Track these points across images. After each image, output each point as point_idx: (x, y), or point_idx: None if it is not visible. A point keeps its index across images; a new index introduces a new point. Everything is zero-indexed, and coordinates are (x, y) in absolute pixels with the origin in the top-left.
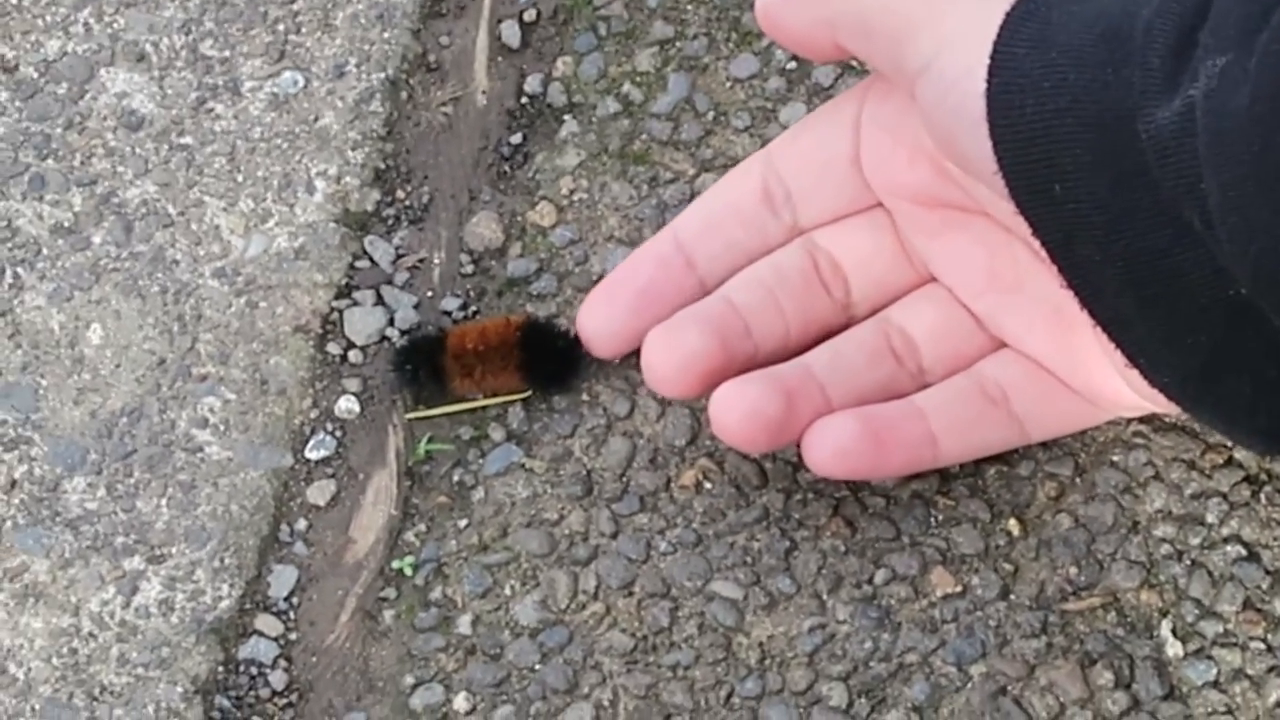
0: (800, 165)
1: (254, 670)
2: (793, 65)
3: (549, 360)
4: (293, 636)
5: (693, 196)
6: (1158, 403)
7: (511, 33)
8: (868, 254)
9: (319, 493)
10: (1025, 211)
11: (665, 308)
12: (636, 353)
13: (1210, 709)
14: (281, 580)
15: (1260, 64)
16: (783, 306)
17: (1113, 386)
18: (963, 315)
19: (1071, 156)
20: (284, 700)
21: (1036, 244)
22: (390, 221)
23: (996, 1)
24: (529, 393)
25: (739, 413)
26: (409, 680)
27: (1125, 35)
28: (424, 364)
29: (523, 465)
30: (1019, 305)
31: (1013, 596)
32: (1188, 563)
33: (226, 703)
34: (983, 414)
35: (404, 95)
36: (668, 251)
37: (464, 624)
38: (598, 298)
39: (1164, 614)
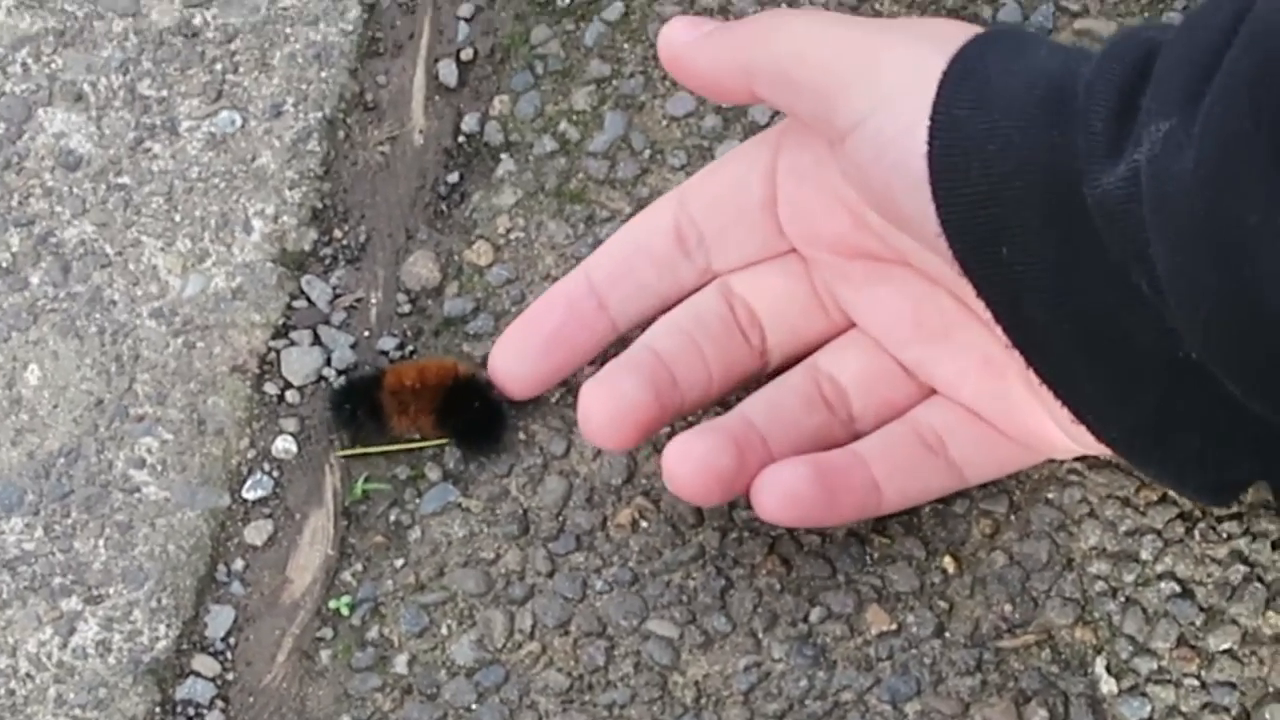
0: (713, 208)
1: (191, 711)
2: (729, 103)
3: (473, 413)
4: (230, 677)
5: None
6: (1092, 446)
7: (449, 72)
8: (783, 301)
9: (256, 533)
10: (969, 272)
11: (577, 351)
12: (571, 391)
13: None
14: (219, 620)
15: (1204, 129)
16: (705, 354)
17: (1047, 430)
18: (890, 363)
19: (1019, 219)
20: None
21: (963, 293)
22: (327, 261)
23: (930, 56)
24: (447, 441)
25: (692, 466)
26: None
27: (1067, 96)
28: (361, 403)
29: (459, 504)
30: (948, 354)
31: (947, 634)
32: (1122, 599)
33: None
34: (922, 461)
35: (341, 134)
36: (579, 293)
37: (400, 663)
38: (510, 339)
39: (1098, 651)
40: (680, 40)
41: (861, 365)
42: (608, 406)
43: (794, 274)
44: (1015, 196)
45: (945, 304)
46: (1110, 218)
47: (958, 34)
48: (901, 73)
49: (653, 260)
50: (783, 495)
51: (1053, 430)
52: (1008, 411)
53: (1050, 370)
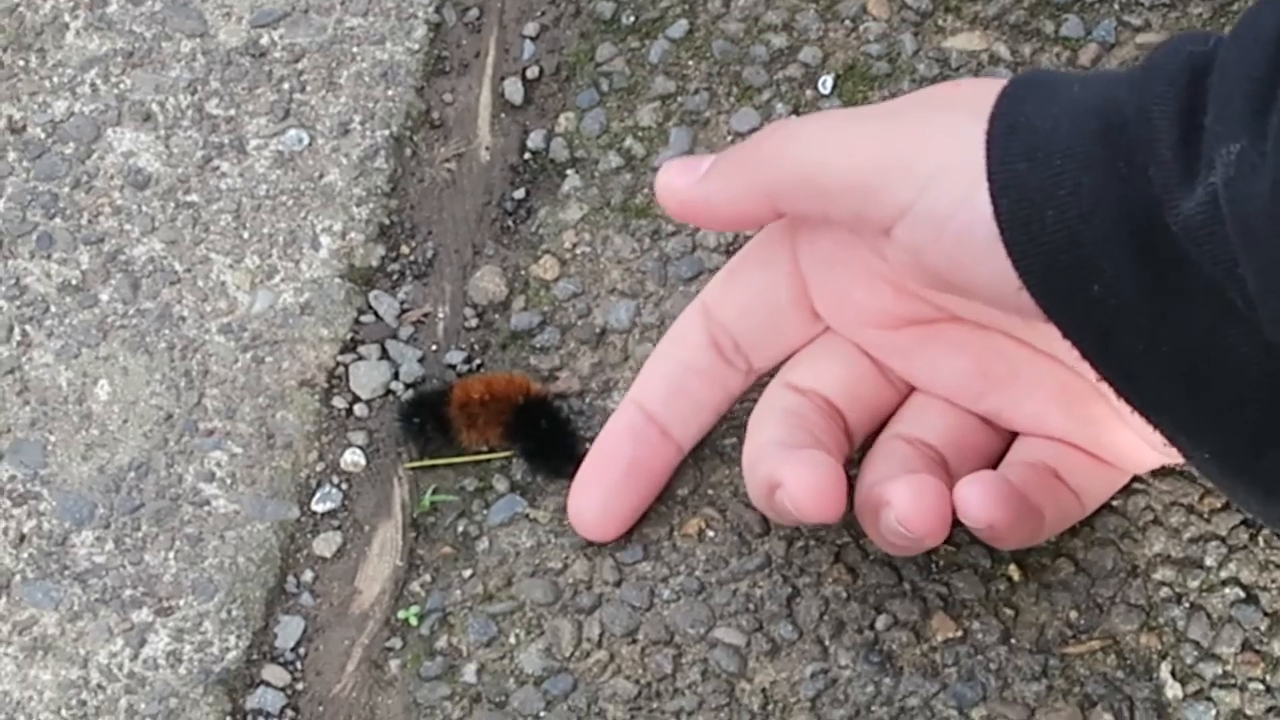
0: (744, 315)
1: None
2: (793, 119)
3: (542, 430)
4: (299, 687)
5: (694, 249)
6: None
7: (514, 89)
8: (850, 382)
9: (325, 544)
10: (1057, 319)
11: (654, 480)
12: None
13: None
14: (288, 631)
15: (1276, 147)
16: (831, 447)
17: (1138, 449)
18: (969, 416)
19: (1108, 256)
20: None
21: (1017, 330)
22: (395, 276)
23: (964, 124)
24: (514, 453)
25: (929, 505)
26: None
27: (1119, 125)
28: (429, 417)
29: (526, 515)
30: (1024, 394)
31: (1013, 640)
32: (1187, 605)
33: None
34: (1057, 490)
35: (408, 152)
36: (639, 423)
37: (469, 673)
38: (586, 483)
39: (1163, 656)
40: (683, 185)
41: (946, 424)
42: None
43: (848, 355)
44: (1098, 235)
45: (1004, 347)
46: (1196, 242)
47: (979, 94)
48: (941, 148)
49: (699, 375)
50: (993, 498)
51: (1144, 448)
52: (1098, 437)
53: (1145, 399)
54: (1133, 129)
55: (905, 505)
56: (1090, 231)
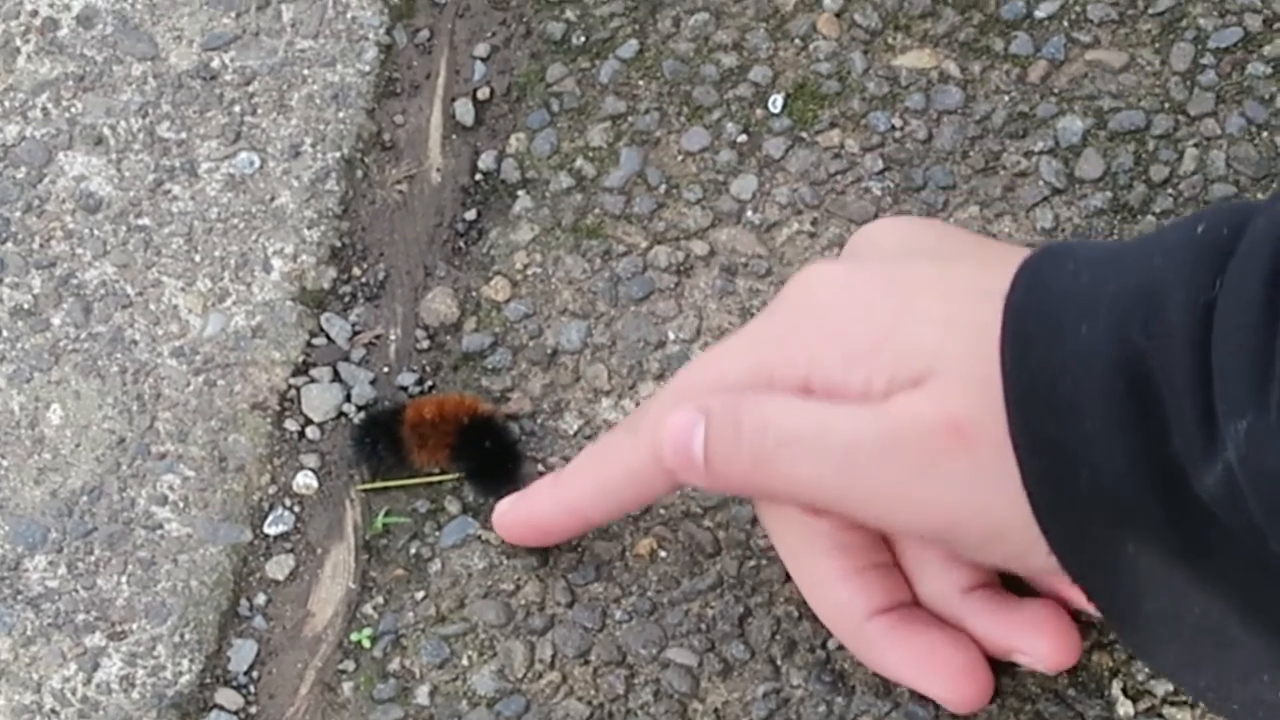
0: None
1: None
2: (743, 138)
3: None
4: (253, 710)
5: (645, 269)
6: None
7: (465, 110)
8: None
9: (278, 567)
10: (1083, 583)
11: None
12: (590, 424)
13: None
14: (241, 654)
15: None
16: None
17: None
18: None
19: (1143, 515)
20: None
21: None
22: (347, 299)
23: (976, 396)
24: (460, 476)
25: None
26: None
27: (1145, 384)
28: (381, 437)
29: (479, 537)
30: None
31: None
32: None
33: None
34: None
35: (359, 174)
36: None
37: (422, 694)
38: (531, 492)
39: (1114, 674)
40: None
41: None
42: None
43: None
44: (1133, 495)
45: None
46: (1224, 512)
47: (978, 349)
48: (1011, 503)
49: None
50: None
51: None
52: None
53: (1168, 658)
54: (1156, 392)
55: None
56: (1127, 491)
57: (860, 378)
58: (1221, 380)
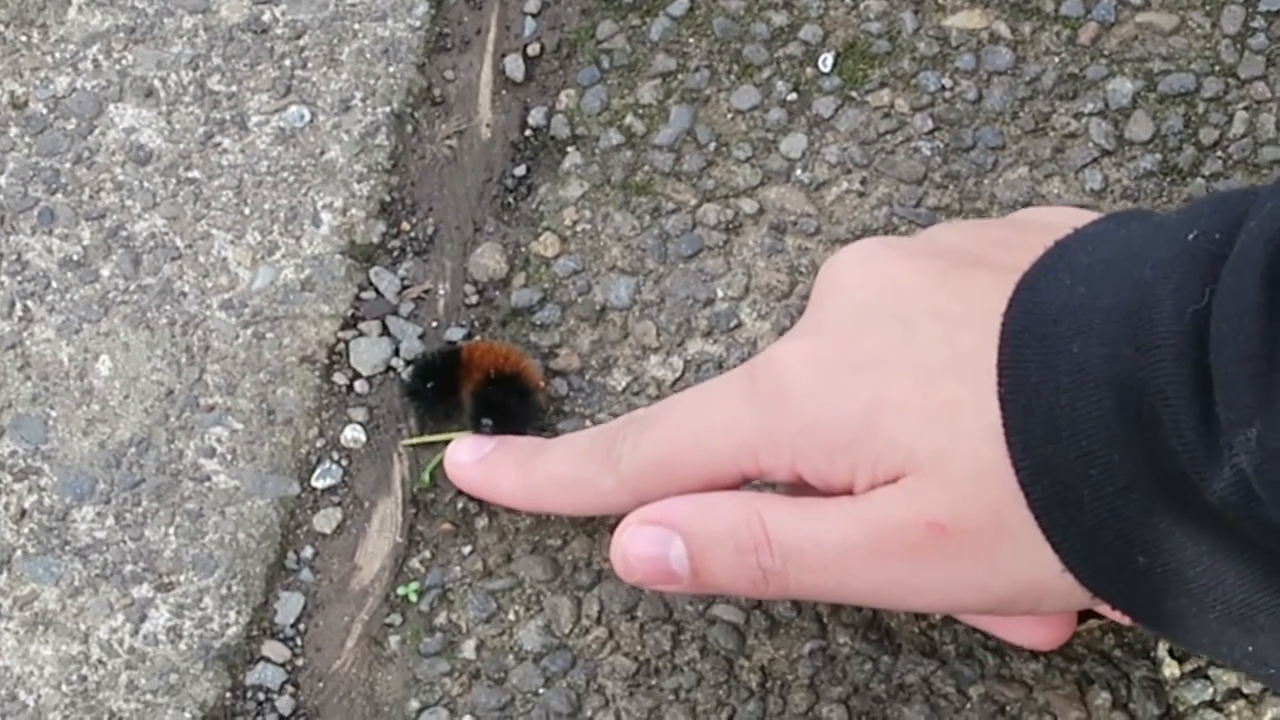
0: None
1: (261, 696)
2: (793, 97)
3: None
4: (299, 663)
5: (694, 226)
6: None
7: (515, 67)
8: None
9: (325, 521)
10: (1104, 593)
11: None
12: (638, 380)
13: None
14: (288, 607)
15: None
16: None
17: None
18: None
19: (1150, 527)
20: None
21: None
22: (395, 253)
23: (974, 417)
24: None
25: None
26: (414, 705)
27: (1138, 398)
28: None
29: None
30: None
31: None
32: None
33: None
34: None
35: (409, 129)
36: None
37: (469, 649)
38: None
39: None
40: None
41: None
42: None
43: None
44: (1136, 509)
45: None
46: (1238, 516)
47: (976, 388)
48: (967, 451)
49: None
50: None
51: None
52: None
53: (1200, 645)
54: (1150, 404)
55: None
56: (1129, 506)
57: (844, 468)
58: (1224, 389)
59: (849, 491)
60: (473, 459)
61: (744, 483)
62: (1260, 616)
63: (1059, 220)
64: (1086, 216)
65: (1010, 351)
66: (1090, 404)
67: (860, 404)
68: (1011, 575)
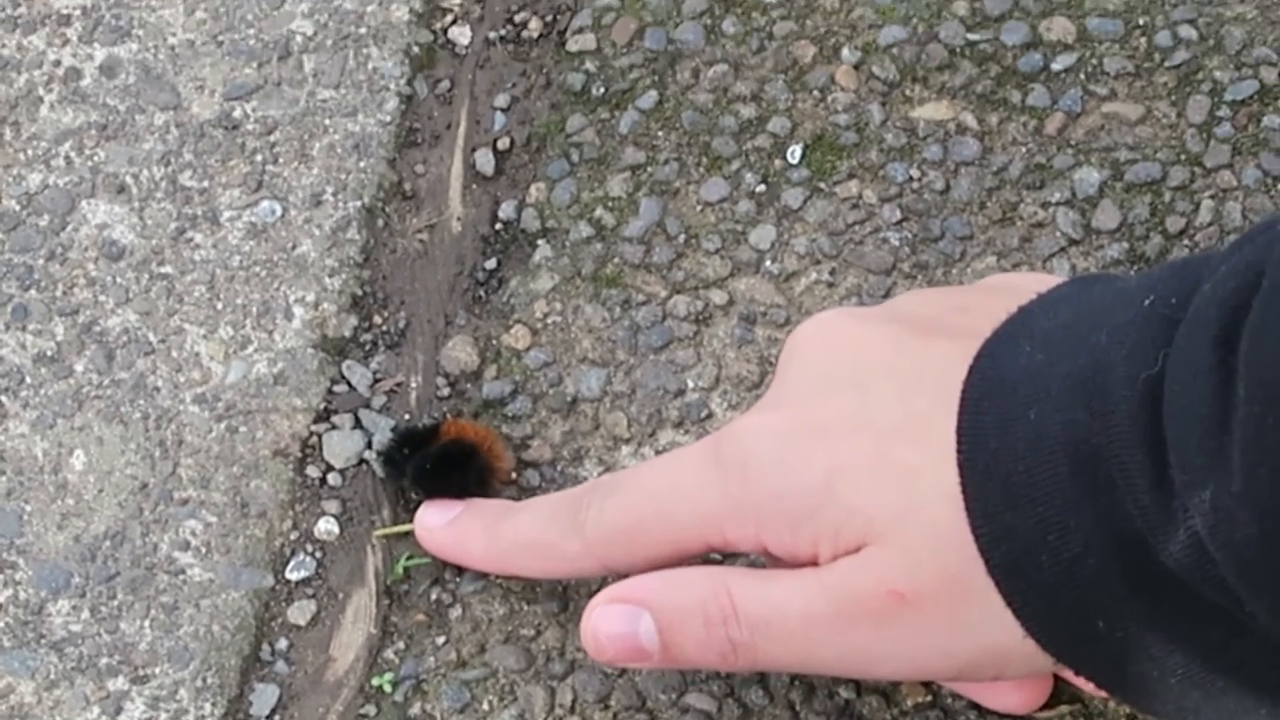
0: None
1: None
2: (762, 189)
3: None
4: None
5: (665, 318)
6: None
7: (485, 160)
8: None
9: (300, 612)
10: (1065, 658)
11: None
12: (610, 470)
13: None
14: (263, 699)
15: (1251, 489)
16: None
17: None
18: None
19: (1106, 592)
20: None
21: None
22: (368, 346)
23: (929, 477)
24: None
25: None
26: None
27: (1093, 464)
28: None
29: (499, 582)
30: None
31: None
32: None
33: None
34: None
35: (380, 223)
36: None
37: None
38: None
39: (1132, 719)
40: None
41: None
42: None
43: None
44: (1092, 574)
45: None
46: (1193, 579)
47: (932, 456)
48: (926, 517)
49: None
50: None
51: None
52: None
53: (1164, 711)
54: (1106, 469)
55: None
56: (1085, 571)
57: (807, 538)
58: (1177, 451)
59: (814, 563)
60: (441, 523)
61: (710, 553)
62: (1220, 679)
63: (1024, 285)
64: (1052, 281)
65: (969, 418)
66: (1047, 470)
67: (819, 471)
68: (974, 641)
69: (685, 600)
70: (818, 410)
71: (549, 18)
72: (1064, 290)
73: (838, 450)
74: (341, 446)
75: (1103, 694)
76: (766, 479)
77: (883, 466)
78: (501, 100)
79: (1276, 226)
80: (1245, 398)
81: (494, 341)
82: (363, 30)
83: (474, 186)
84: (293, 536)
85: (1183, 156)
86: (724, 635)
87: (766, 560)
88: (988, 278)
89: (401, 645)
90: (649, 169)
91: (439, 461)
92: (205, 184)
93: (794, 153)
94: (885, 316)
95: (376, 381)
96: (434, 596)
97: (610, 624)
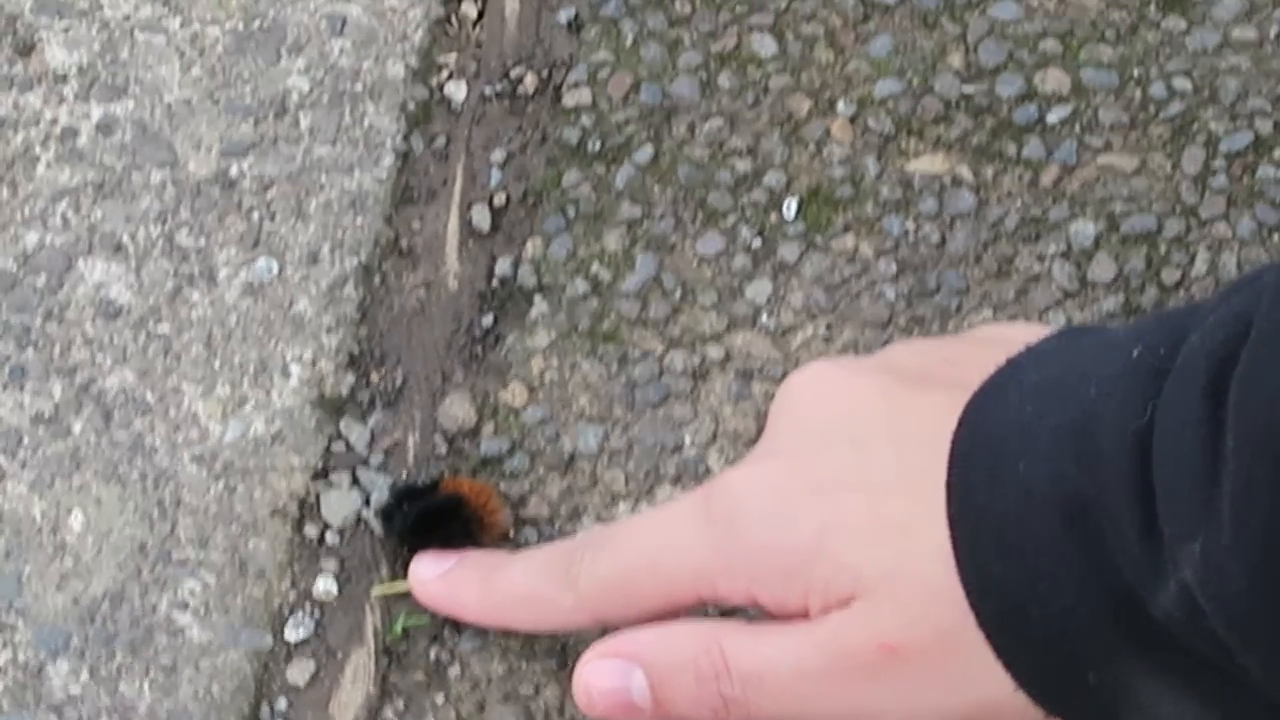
0: None
1: None
2: (758, 243)
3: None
4: None
5: (662, 374)
6: None
7: (482, 217)
8: None
9: (299, 672)
10: (1060, 711)
11: None
12: (600, 519)
13: None
14: None
15: (1241, 541)
16: None
17: None
18: None
19: (1097, 644)
20: None
21: None
22: (365, 404)
23: (925, 531)
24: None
25: None
26: None
27: (1083, 517)
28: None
29: (498, 640)
30: None
31: None
32: None
33: None
34: None
35: (377, 280)
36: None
37: None
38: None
39: None
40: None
41: None
42: None
43: None
44: (1083, 626)
45: None
46: (1183, 629)
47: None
48: (916, 571)
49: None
50: None
51: None
52: None
53: None
54: (1096, 521)
55: None
56: (1076, 623)
57: (798, 592)
58: (1166, 502)
59: (805, 616)
60: (435, 574)
61: (703, 605)
62: None
63: (1015, 336)
64: (1043, 332)
65: (959, 472)
66: (1036, 522)
67: (812, 527)
68: (966, 694)
69: (677, 656)
70: (811, 465)
71: (544, 73)
72: (1053, 342)
73: (831, 507)
74: (339, 505)
75: None
76: (757, 533)
77: (875, 523)
78: (497, 156)
79: (1264, 277)
80: (1234, 449)
81: (491, 398)
82: (359, 87)
83: (470, 243)
84: (291, 596)
85: (1178, 208)
86: (716, 691)
87: (760, 612)
88: (978, 328)
89: (401, 705)
90: (645, 224)
91: (431, 517)
92: (202, 242)
93: (789, 207)
94: (876, 368)
95: (374, 439)
96: (433, 655)
97: (602, 679)
